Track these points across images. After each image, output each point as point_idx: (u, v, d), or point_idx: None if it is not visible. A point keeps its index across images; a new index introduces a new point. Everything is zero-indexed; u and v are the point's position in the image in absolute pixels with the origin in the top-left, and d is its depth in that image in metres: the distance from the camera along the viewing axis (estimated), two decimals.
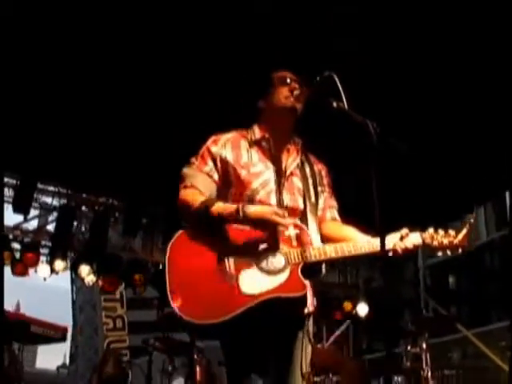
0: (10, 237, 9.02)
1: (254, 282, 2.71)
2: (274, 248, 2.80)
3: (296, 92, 3.01)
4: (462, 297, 14.38)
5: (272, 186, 3.01)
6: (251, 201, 2.93)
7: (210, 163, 3.04)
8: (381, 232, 2.48)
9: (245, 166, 3.03)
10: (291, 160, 3.11)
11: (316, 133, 3.11)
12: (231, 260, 2.76)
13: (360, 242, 2.89)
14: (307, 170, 3.14)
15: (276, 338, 2.84)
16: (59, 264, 9.05)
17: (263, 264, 2.76)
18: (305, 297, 2.77)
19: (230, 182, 3.02)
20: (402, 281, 12.16)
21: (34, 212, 9.33)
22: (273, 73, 3.15)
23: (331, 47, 5.50)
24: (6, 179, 8.69)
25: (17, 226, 9.24)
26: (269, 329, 2.78)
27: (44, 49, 5.97)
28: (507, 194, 14.29)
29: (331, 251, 2.84)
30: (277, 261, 2.78)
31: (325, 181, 3.24)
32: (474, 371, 8.96)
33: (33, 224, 9.49)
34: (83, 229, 9.73)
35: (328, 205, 3.21)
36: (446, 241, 2.93)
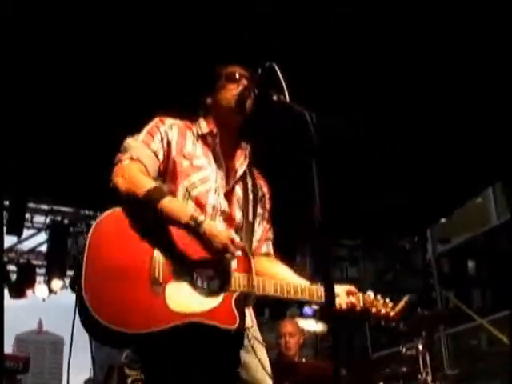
0: (5, 259, 8.86)
1: (183, 298, 2.35)
2: (212, 266, 2.45)
3: (245, 92, 2.70)
4: (483, 282, 14.10)
5: (212, 184, 2.69)
6: (187, 194, 2.61)
7: (158, 142, 2.66)
8: (326, 283, 2.16)
9: (188, 156, 2.69)
10: (238, 164, 2.79)
11: (257, 128, 2.82)
12: (161, 263, 2.37)
13: (300, 286, 2.60)
14: (249, 182, 2.84)
15: (212, 359, 2.48)
16: (56, 283, 8.90)
17: (197, 280, 2.41)
18: (237, 330, 2.41)
19: (167, 168, 2.66)
20: (410, 274, 11.87)
21: (27, 232, 9.16)
22: (220, 66, 2.85)
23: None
24: None
25: (11, 248, 9.07)
26: (200, 349, 2.42)
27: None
28: None
29: (270, 288, 2.54)
30: (212, 281, 2.44)
31: (267, 205, 2.93)
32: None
33: (27, 245, 9.33)
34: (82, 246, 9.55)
35: (265, 237, 2.89)
36: (383, 310, 2.75)
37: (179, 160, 2.67)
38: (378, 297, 2.76)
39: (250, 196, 2.81)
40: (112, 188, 2.47)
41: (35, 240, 9.42)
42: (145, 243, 2.39)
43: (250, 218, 2.77)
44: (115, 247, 2.37)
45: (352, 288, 2.71)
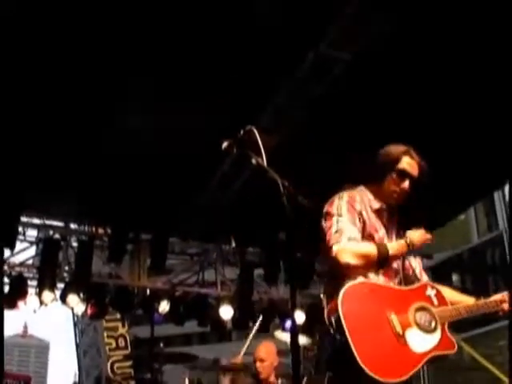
0: None
1: (419, 340, 3.00)
2: (423, 308, 3.15)
3: (404, 190, 3.40)
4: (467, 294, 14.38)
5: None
6: None
7: (357, 219, 3.28)
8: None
9: (373, 226, 3.35)
10: (394, 224, 3.51)
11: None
12: (394, 316, 3.02)
13: (477, 303, 3.38)
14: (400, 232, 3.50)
15: None
16: (47, 295, 9.09)
17: (420, 323, 3.08)
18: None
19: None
20: None
21: (19, 245, 9.39)
22: (395, 151, 3.45)
23: None
24: None
25: (3, 261, 9.28)
26: None
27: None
28: (495, 196, 14.40)
29: (464, 311, 3.28)
30: (429, 320, 3.12)
31: None
32: None
33: (19, 257, 9.55)
34: (72, 259, 9.76)
35: (422, 268, 3.59)
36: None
37: (369, 232, 3.32)
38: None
39: None
40: (345, 264, 3.10)
41: (26, 253, 9.65)
42: (375, 305, 3.07)
43: (409, 260, 3.48)
44: (361, 314, 3.01)
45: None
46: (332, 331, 3.02)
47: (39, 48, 5.70)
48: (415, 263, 3.51)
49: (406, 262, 3.42)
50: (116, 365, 17.55)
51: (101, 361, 19.45)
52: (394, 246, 3.25)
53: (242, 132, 2.80)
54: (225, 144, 2.95)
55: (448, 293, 3.42)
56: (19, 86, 6.20)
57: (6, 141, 7.03)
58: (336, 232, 3.17)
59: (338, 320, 2.92)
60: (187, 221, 9.60)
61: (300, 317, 10.51)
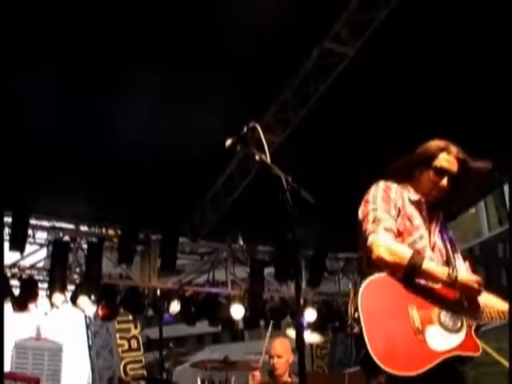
0: (8, 275, 9.10)
1: (439, 339, 2.95)
2: (452, 308, 3.06)
3: (443, 188, 3.29)
4: None
5: (426, 241, 3.27)
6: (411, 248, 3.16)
7: (393, 209, 3.22)
8: None
9: (409, 217, 3.26)
10: (436, 222, 3.40)
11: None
12: (415, 312, 2.97)
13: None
14: (444, 232, 3.43)
15: None
16: (58, 298, 9.11)
17: (444, 322, 3.01)
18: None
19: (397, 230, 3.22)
20: None
21: (29, 248, 9.41)
22: (436, 146, 3.36)
23: None
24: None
25: (14, 264, 9.31)
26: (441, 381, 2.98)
27: None
28: (505, 189, 14.31)
29: (496, 316, 3.16)
30: (454, 321, 3.04)
31: (457, 245, 3.50)
32: None
33: (29, 260, 9.57)
34: (82, 261, 9.77)
35: (470, 272, 3.41)
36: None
37: (403, 221, 3.23)
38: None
39: (449, 245, 3.39)
40: (377, 258, 3.04)
41: (37, 256, 9.68)
42: (397, 299, 3.00)
43: (453, 261, 3.32)
44: (380, 308, 2.96)
45: None
46: (349, 322, 3.00)
47: None
48: (461, 266, 3.39)
49: (452, 265, 3.31)
50: (129, 366, 17.59)
51: (113, 362, 19.49)
52: (433, 266, 3.12)
53: (245, 129, 2.79)
54: (228, 142, 2.93)
55: (485, 298, 3.30)
56: None
57: (12, 141, 7.03)
58: (373, 222, 3.15)
59: (356, 309, 2.91)
60: (196, 220, 9.61)
61: (311, 315, 10.48)
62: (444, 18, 5.55)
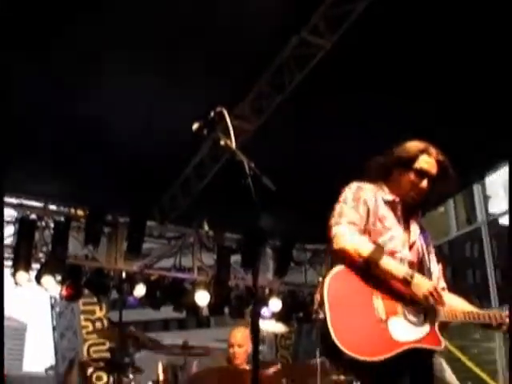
0: None
1: (402, 329, 3.01)
2: (413, 304, 3.12)
3: (423, 189, 3.32)
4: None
5: (397, 242, 3.30)
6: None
7: (362, 206, 3.26)
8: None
9: (381, 218, 3.30)
10: (414, 224, 3.46)
11: None
12: (380, 302, 3.04)
13: (478, 313, 3.25)
14: (421, 234, 3.47)
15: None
16: (22, 276, 9.01)
17: (408, 315, 3.09)
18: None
19: (366, 227, 3.28)
20: None
21: None
22: (415, 146, 3.38)
23: None
24: None
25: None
26: (405, 372, 3.09)
27: None
28: (474, 189, 14.49)
29: (461, 316, 3.22)
30: (417, 315, 3.12)
31: (432, 248, 3.55)
32: None
33: None
34: (48, 240, 9.68)
35: (440, 274, 3.51)
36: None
37: (374, 221, 3.28)
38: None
39: (424, 246, 3.44)
40: (339, 249, 3.09)
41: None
42: (362, 288, 3.06)
43: (427, 262, 3.39)
44: (346, 296, 3.04)
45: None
46: (315, 310, 3.04)
47: None
48: (435, 268, 3.46)
49: (426, 266, 3.38)
50: (92, 348, 17.45)
51: (77, 344, 19.35)
52: (392, 263, 3.15)
53: (212, 114, 2.78)
54: (195, 126, 2.93)
55: (453, 299, 3.41)
56: None
57: None
58: (338, 215, 3.20)
59: (321, 297, 2.96)
60: (166, 204, 9.58)
61: (276, 304, 10.53)
62: (422, 11, 5.57)
